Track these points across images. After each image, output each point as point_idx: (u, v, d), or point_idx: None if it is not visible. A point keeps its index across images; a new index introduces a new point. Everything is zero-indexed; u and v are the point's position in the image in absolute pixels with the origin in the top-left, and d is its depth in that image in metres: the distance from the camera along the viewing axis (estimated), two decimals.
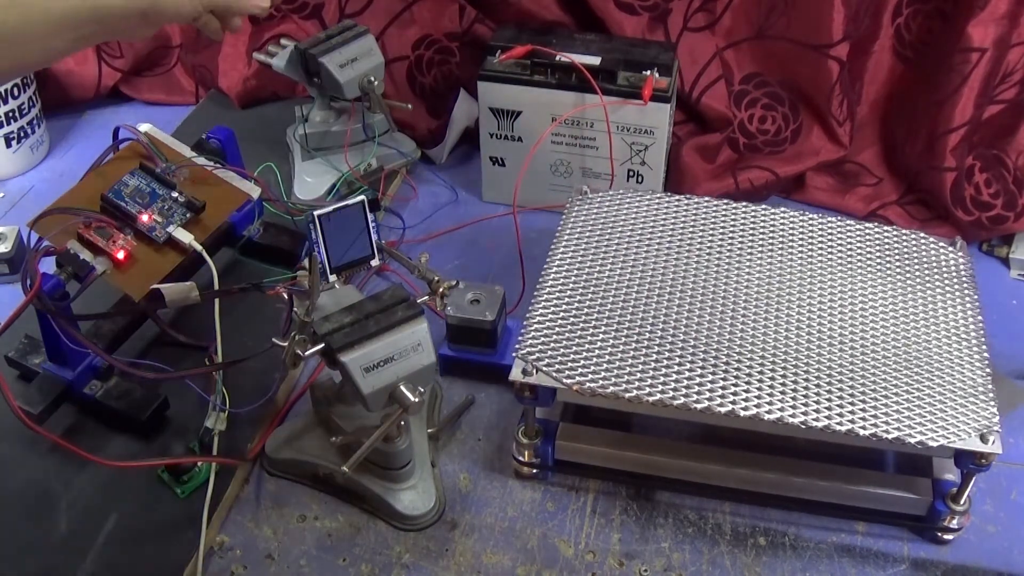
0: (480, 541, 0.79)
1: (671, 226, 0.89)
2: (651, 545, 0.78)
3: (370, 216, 0.79)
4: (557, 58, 1.01)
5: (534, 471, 0.83)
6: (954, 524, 0.77)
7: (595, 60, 1.01)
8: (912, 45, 1.09)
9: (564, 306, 0.81)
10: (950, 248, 0.89)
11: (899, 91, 1.11)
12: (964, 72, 1.01)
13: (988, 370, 0.77)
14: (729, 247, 0.87)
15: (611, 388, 0.74)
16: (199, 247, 0.86)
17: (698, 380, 0.75)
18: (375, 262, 0.81)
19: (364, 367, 0.69)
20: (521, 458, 0.82)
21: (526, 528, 0.80)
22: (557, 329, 0.79)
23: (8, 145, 1.15)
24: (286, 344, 0.70)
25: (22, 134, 1.16)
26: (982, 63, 1.00)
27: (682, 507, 0.81)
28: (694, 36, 1.10)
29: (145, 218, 0.84)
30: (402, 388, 0.70)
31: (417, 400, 0.70)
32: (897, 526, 0.79)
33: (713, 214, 0.91)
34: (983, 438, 0.71)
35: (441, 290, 0.78)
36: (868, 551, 0.78)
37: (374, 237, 0.80)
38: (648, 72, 1.00)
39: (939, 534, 0.78)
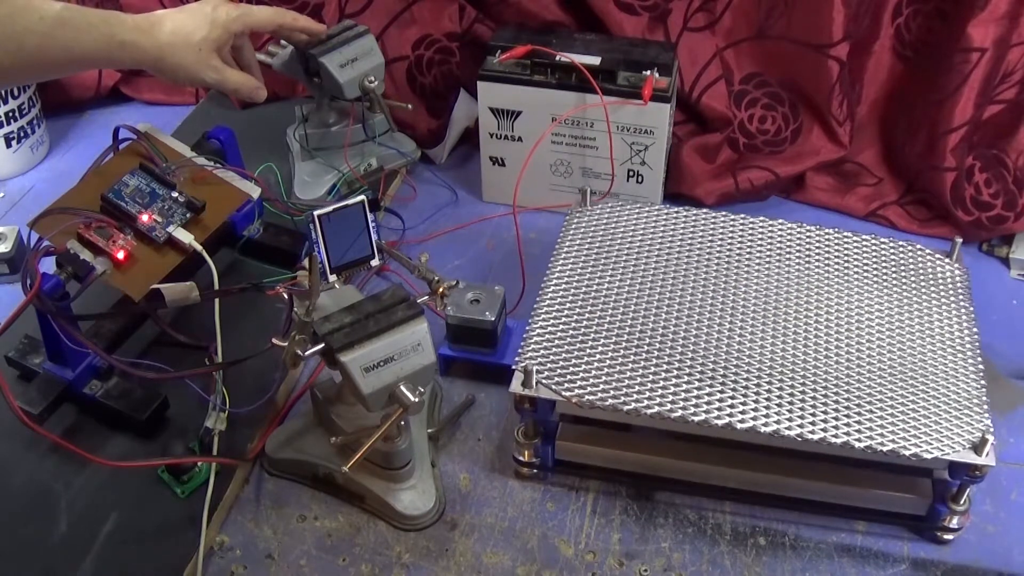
0: (480, 541, 0.79)
1: (669, 238, 0.90)
2: (651, 545, 0.78)
3: (370, 216, 0.79)
4: (557, 58, 1.01)
5: (534, 471, 0.83)
6: (954, 524, 0.77)
7: (595, 60, 1.01)
8: (912, 45, 1.09)
9: (564, 318, 0.82)
10: (946, 260, 0.89)
11: (899, 91, 1.11)
12: (964, 72, 1.00)
13: (983, 382, 0.77)
14: (727, 259, 0.88)
15: (609, 401, 0.75)
16: (199, 247, 0.86)
17: (695, 393, 0.75)
18: (375, 262, 0.81)
19: (364, 367, 0.69)
20: (521, 458, 0.82)
21: (526, 528, 0.80)
22: (556, 342, 0.80)
23: (8, 145, 1.15)
24: (286, 344, 0.70)
25: (22, 134, 1.16)
26: (982, 63, 1.00)
27: (682, 507, 0.81)
28: (694, 36, 1.10)
29: (145, 218, 0.84)
30: (402, 388, 0.70)
31: (417, 400, 0.70)
32: (897, 526, 0.79)
33: (711, 225, 0.92)
34: (977, 450, 0.72)
35: (441, 290, 0.78)
36: (868, 551, 0.78)
37: (374, 237, 0.80)
38: (648, 72, 1.00)
39: (939, 534, 0.78)
